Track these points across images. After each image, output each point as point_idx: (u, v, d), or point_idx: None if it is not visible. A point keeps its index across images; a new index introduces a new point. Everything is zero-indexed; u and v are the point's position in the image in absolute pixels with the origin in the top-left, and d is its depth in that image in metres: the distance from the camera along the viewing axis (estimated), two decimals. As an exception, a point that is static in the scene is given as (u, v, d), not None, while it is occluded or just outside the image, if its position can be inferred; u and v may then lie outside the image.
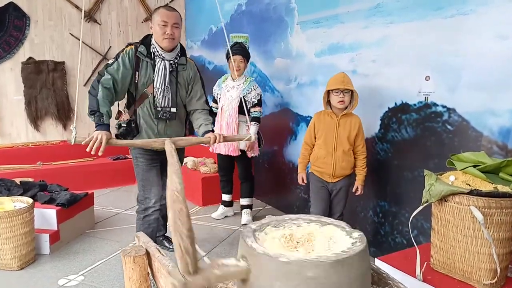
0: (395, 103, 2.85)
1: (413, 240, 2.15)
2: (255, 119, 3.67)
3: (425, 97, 2.64)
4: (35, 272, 2.89)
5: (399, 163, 2.87)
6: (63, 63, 5.34)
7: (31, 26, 5.16)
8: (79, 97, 2.49)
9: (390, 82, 2.87)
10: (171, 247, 3.17)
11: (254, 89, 3.67)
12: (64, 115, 5.40)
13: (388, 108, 2.91)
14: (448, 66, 2.50)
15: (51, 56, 5.30)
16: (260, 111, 3.72)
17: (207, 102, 2.89)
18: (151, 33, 2.69)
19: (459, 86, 2.45)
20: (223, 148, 3.71)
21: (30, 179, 3.86)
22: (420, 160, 2.70)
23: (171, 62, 2.67)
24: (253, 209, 3.99)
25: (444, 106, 2.54)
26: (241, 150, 3.70)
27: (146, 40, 2.68)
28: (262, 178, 4.43)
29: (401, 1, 2.75)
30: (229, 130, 3.65)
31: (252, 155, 3.75)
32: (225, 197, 4.02)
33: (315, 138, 2.88)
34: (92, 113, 2.45)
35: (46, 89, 5.26)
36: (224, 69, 5.13)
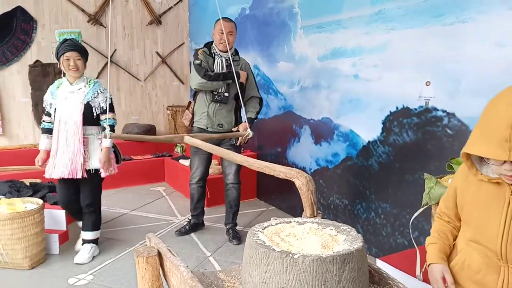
0: (396, 107, 2.92)
1: (414, 241, 2.21)
2: (110, 128, 2.74)
3: (426, 102, 2.71)
4: (46, 271, 2.97)
5: (400, 166, 2.94)
6: (69, 65, 5.43)
7: (38, 29, 5.25)
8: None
9: (392, 87, 2.94)
10: (232, 240, 3.53)
11: (101, 91, 3.01)
12: (70, 117, 5.47)
13: (390, 112, 2.98)
14: (448, 72, 2.57)
15: (57, 59, 5.39)
16: (113, 118, 3.02)
17: (258, 91, 3.51)
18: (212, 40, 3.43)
19: (459, 91, 2.52)
20: (63, 170, 2.93)
21: (39, 181, 3.94)
22: (421, 163, 2.77)
23: (227, 58, 3.32)
24: (257, 209, 4.00)
25: (444, 111, 2.61)
26: (90, 170, 3.00)
27: (208, 45, 3.42)
28: (265, 179, 4.49)
29: (402, 8, 2.82)
30: (72, 147, 2.94)
31: (108, 173, 3.05)
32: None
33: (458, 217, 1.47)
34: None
35: (52, 92, 5.34)
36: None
